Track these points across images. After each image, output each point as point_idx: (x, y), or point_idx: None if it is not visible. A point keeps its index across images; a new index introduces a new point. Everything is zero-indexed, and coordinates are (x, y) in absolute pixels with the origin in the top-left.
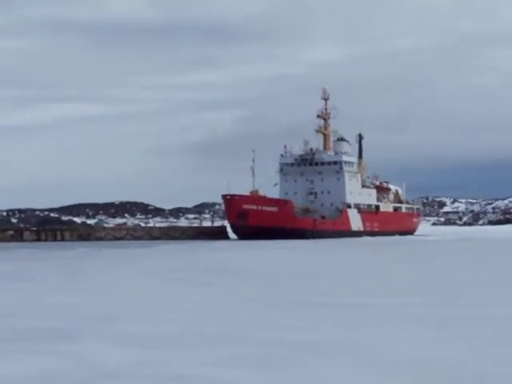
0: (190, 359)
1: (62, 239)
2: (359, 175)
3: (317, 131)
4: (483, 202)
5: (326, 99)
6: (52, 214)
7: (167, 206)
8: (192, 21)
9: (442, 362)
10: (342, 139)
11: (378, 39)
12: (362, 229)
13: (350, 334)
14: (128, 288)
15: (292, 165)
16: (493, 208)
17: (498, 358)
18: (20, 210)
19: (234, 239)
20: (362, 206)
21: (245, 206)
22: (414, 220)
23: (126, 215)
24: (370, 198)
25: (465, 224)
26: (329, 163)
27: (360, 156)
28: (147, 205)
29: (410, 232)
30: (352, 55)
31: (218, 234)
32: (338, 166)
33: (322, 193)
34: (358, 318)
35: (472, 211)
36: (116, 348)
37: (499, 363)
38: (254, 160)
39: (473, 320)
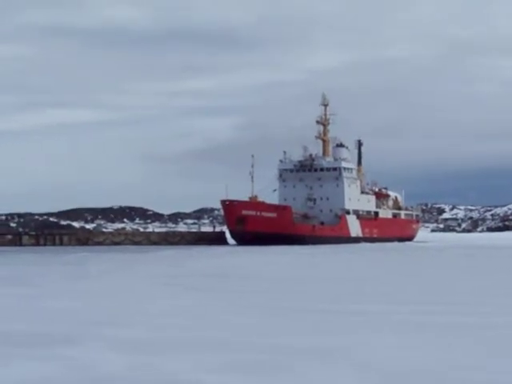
0: (188, 365)
1: (61, 244)
2: (358, 181)
3: (316, 137)
4: (482, 209)
5: (325, 105)
6: (51, 219)
7: (166, 211)
8: (189, 27)
9: (439, 371)
10: (341, 145)
11: (376, 46)
12: (360, 235)
13: (348, 341)
14: (126, 293)
15: (291, 171)
16: (492, 215)
17: (497, 368)
18: (19, 215)
19: (233, 245)
20: (361, 213)
21: (244, 212)
22: (413, 226)
23: (125, 220)
24: (369, 204)
25: (464, 231)
26: (328, 169)
27: (359, 162)
28: (146, 210)
29: (409, 238)
30: (350, 62)
31: (217, 239)
32: (337, 172)
33: (321, 199)
34: (355, 324)
35: (471, 218)
36: (114, 353)
37: (498, 372)
38: (252, 166)
39: (472, 328)
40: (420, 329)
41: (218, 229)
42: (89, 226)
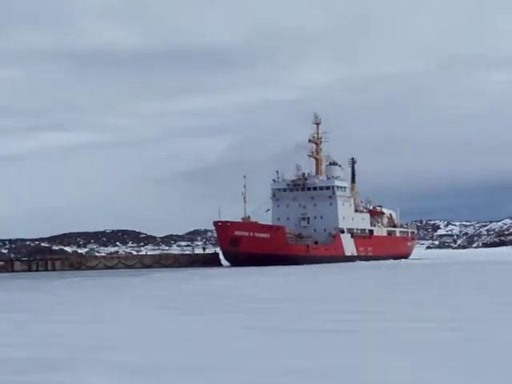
0: None
1: (53, 269)
2: (352, 200)
3: (309, 156)
4: (477, 225)
5: (317, 124)
6: (43, 244)
7: (159, 234)
8: (179, 47)
9: None
10: (334, 164)
11: (367, 63)
12: (355, 253)
13: (348, 361)
14: (121, 317)
15: (284, 190)
16: (487, 230)
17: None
18: (10, 240)
19: (227, 266)
20: (355, 231)
21: (236, 233)
22: (409, 244)
23: (118, 243)
24: (363, 222)
25: (459, 247)
26: (321, 188)
27: (353, 180)
28: (139, 233)
29: (405, 256)
30: (342, 79)
31: (211, 261)
32: (330, 190)
33: (315, 218)
34: (356, 343)
35: (466, 234)
36: (110, 378)
37: None
38: (245, 186)
39: (473, 344)
40: (422, 347)
41: (207, 250)
42: (81, 251)
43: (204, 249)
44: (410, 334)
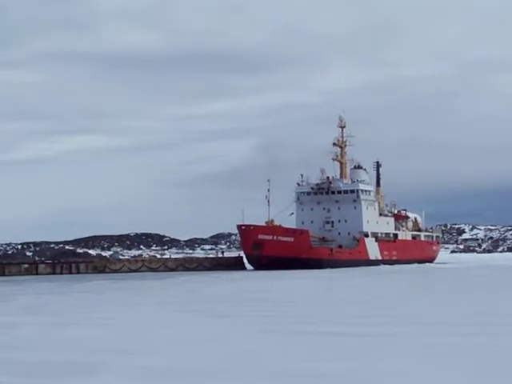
0: None
1: (78, 272)
2: (377, 203)
3: (333, 159)
4: (502, 229)
5: (342, 127)
6: (67, 247)
7: (183, 237)
8: (204, 50)
9: None
10: (358, 167)
11: (391, 66)
12: (379, 257)
13: (366, 365)
14: (146, 320)
15: (308, 193)
16: None
17: None
18: (35, 243)
19: (250, 270)
20: (379, 235)
21: (260, 237)
22: (434, 248)
23: (142, 247)
24: (387, 226)
25: (484, 251)
26: (345, 192)
27: (378, 184)
28: (163, 236)
29: (430, 260)
30: (366, 82)
31: (235, 264)
32: (354, 194)
33: (339, 222)
34: (372, 348)
35: (491, 238)
36: (134, 382)
37: None
38: (269, 190)
39: (485, 350)
40: (435, 352)
41: (226, 254)
42: (105, 254)
43: (223, 253)
44: (431, 338)
